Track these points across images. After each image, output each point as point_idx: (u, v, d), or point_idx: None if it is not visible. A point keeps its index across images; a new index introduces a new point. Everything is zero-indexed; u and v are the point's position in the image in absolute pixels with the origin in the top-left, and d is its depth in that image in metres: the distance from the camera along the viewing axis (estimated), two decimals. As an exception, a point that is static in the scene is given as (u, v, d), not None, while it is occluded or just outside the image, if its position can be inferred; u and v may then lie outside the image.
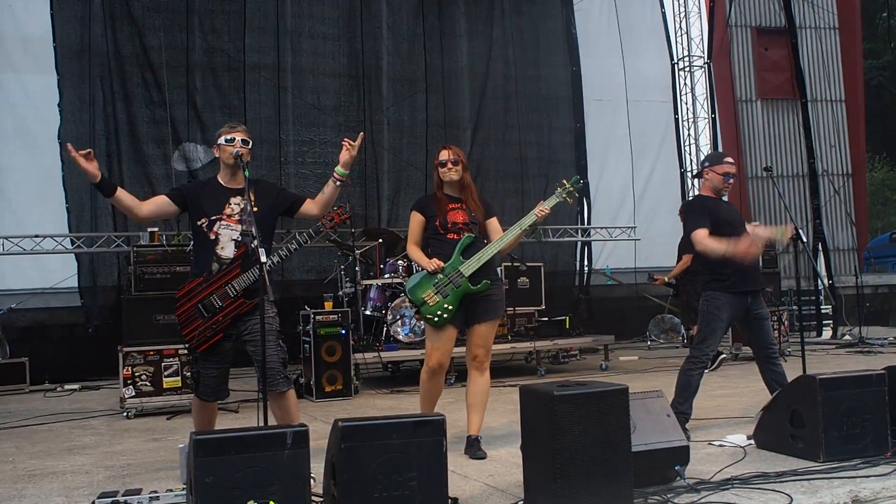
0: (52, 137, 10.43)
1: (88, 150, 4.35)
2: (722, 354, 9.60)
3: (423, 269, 5.02)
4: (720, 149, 14.72)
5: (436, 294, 4.89)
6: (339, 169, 4.64)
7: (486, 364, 5.09)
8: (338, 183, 4.63)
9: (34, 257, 10.16)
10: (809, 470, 4.25)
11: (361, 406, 7.59)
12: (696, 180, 5.80)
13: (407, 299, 5.77)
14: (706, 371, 5.76)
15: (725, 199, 5.78)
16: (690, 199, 5.95)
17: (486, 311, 5.02)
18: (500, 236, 5.06)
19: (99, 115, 10.71)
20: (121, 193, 4.46)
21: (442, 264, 4.92)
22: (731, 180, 5.60)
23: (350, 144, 4.62)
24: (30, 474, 5.04)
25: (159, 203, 4.60)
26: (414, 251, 5.10)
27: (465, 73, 13.18)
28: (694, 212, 5.56)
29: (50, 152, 10.47)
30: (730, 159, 5.68)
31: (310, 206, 4.71)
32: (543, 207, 5.00)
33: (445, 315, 4.88)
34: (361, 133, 4.65)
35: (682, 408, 5.37)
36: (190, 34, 11.25)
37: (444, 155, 5.12)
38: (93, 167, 4.31)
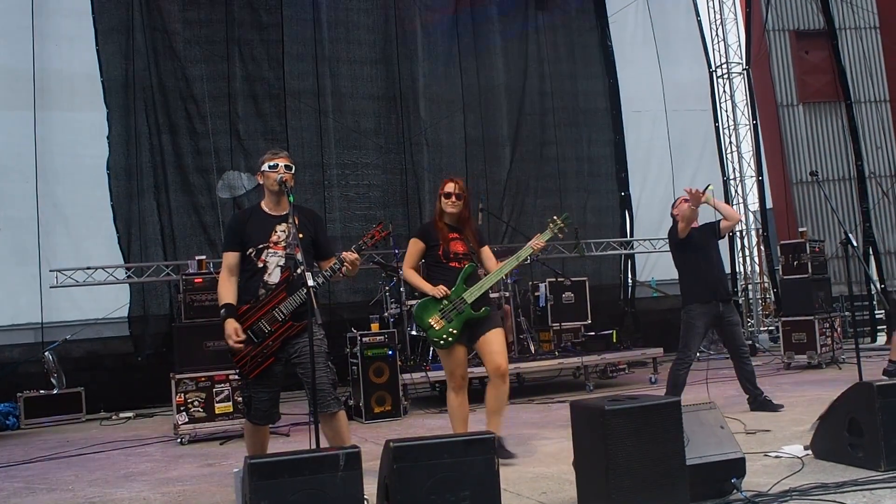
0: (100, 172, 10.70)
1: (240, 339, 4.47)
2: None
3: (427, 295, 5.34)
4: (763, 155, 14.60)
5: (441, 318, 5.24)
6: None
7: (506, 370, 5.32)
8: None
9: (87, 288, 10.37)
10: (870, 479, 4.16)
11: (411, 426, 7.60)
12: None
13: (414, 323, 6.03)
14: None
15: (695, 225, 6.83)
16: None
17: (490, 324, 5.35)
18: (500, 267, 5.43)
19: (145, 147, 10.96)
20: (234, 295, 4.60)
21: (447, 291, 5.25)
22: (684, 196, 6.76)
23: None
24: (89, 502, 5.13)
25: (233, 263, 4.65)
26: (412, 275, 5.48)
27: (502, 90, 13.23)
28: (669, 243, 7.12)
29: (99, 186, 10.73)
30: (682, 198, 6.88)
31: (325, 265, 4.69)
32: (539, 241, 5.39)
33: (450, 339, 5.23)
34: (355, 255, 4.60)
35: None
36: (230, 64, 11.48)
37: (450, 187, 5.45)
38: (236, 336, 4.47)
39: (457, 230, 5.46)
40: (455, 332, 5.23)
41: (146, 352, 10.64)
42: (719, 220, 6.93)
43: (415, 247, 5.50)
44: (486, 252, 5.55)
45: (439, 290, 5.27)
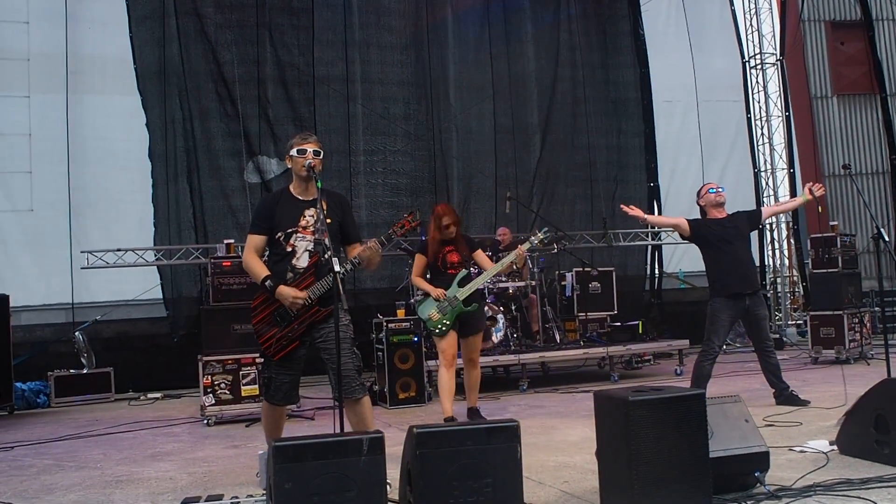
0: (131, 156, 10.88)
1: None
2: None
3: (428, 295, 6.55)
4: (795, 147, 14.46)
5: (438, 313, 6.44)
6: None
7: (477, 361, 6.80)
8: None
9: (116, 270, 10.51)
10: (896, 477, 4.12)
11: (435, 412, 7.59)
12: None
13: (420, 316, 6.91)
14: None
15: (722, 214, 6.88)
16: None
17: (475, 327, 6.65)
18: (488, 270, 6.68)
19: (179, 132, 11.05)
20: (266, 269, 4.62)
21: (444, 293, 6.46)
22: (717, 190, 6.88)
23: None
24: (117, 480, 5.21)
25: (258, 245, 4.68)
26: (419, 281, 6.70)
27: (533, 78, 13.18)
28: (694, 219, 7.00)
29: (129, 169, 10.88)
30: (707, 185, 7.05)
31: (351, 250, 4.71)
32: (521, 249, 6.54)
33: (444, 328, 6.45)
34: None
35: None
36: (261, 48, 11.53)
37: (447, 220, 6.56)
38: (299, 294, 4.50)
39: (451, 243, 6.65)
40: (448, 323, 6.44)
41: (180, 332, 10.77)
42: (760, 210, 6.81)
43: (420, 261, 6.73)
44: (479, 255, 6.78)
45: (437, 292, 6.47)
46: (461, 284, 6.53)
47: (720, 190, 6.93)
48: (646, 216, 6.98)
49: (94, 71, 10.98)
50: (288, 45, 11.70)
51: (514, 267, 6.98)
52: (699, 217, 7.05)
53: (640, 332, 10.11)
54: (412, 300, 9.41)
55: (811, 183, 6.81)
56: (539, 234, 6.63)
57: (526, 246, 6.61)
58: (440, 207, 6.78)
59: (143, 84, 10.92)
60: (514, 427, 3.55)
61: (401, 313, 8.54)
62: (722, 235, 6.73)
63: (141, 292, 10.66)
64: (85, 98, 10.88)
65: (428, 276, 6.78)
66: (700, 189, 7.11)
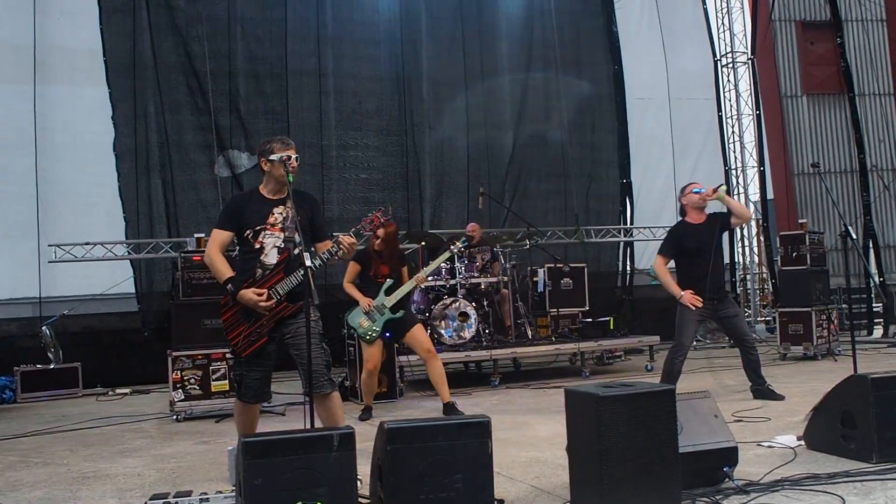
0: (100, 148, 10.70)
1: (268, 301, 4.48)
2: None
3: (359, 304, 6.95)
4: (765, 146, 14.58)
5: (367, 321, 6.85)
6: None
7: (434, 350, 6.99)
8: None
9: (85, 264, 10.37)
10: (862, 471, 4.17)
11: (406, 408, 7.62)
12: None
13: (348, 324, 7.22)
14: None
15: (702, 217, 6.89)
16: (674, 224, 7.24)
17: (410, 321, 7.01)
18: (407, 283, 6.98)
19: (152, 127, 10.93)
20: (230, 269, 4.61)
21: (373, 302, 6.85)
22: (700, 191, 6.83)
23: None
24: (84, 476, 5.15)
25: (223, 242, 4.64)
26: (350, 288, 7.06)
27: (506, 74, 13.17)
28: (666, 239, 7.12)
29: (99, 162, 10.72)
30: (692, 185, 7.00)
31: (321, 247, 4.69)
32: (442, 259, 7.40)
33: (374, 335, 6.86)
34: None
35: None
36: (232, 42, 11.43)
37: (381, 233, 6.94)
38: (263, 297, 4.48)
39: (384, 256, 7.02)
40: (377, 330, 6.84)
41: (150, 327, 10.65)
42: (731, 214, 6.83)
43: (353, 268, 7.08)
44: (403, 270, 7.11)
45: (365, 302, 6.85)
46: (388, 293, 6.90)
47: (699, 192, 6.88)
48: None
49: (62, 62, 10.80)
50: (260, 39, 11.61)
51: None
52: (673, 225, 7.09)
53: (612, 328, 10.15)
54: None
55: (709, 189, 6.85)
56: (458, 244, 7.44)
57: (445, 255, 7.37)
58: (393, 229, 7.13)
59: (113, 76, 10.76)
60: (485, 423, 3.55)
61: (373, 309, 8.51)
62: (696, 245, 6.76)
63: (110, 287, 10.51)
64: (53, 89, 10.70)
65: (357, 282, 7.10)
66: (684, 187, 7.07)
